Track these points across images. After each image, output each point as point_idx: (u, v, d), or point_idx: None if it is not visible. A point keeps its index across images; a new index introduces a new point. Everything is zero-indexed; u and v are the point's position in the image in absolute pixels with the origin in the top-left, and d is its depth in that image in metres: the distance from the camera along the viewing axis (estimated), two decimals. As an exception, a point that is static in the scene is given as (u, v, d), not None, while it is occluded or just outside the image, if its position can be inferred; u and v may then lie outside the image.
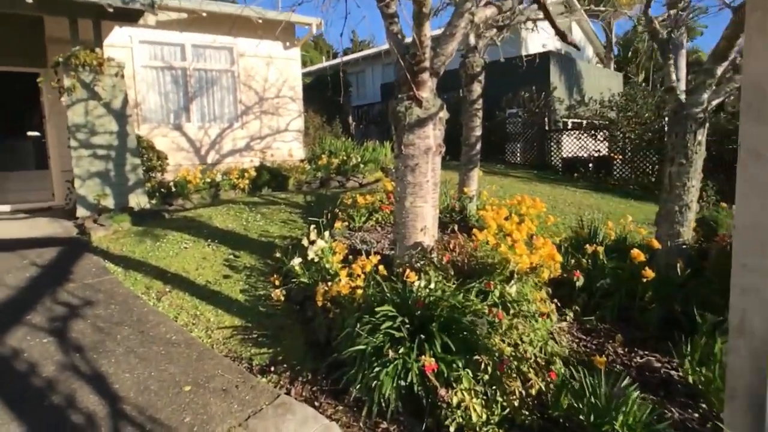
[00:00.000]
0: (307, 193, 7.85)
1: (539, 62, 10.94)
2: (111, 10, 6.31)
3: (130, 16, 6.97)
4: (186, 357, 3.33)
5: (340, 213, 5.50)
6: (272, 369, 3.29)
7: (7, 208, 8.10)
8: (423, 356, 2.77)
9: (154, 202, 7.08)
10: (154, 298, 4.11)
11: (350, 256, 4.06)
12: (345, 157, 8.84)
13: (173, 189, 7.11)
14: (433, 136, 3.97)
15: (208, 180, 7.50)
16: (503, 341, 2.98)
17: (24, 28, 7.79)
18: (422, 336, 2.94)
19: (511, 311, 3.37)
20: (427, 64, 3.87)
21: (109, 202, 6.68)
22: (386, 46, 19.66)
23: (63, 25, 6.76)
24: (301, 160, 9.65)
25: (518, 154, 13.40)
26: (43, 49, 7.45)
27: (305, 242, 4.29)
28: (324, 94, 13.65)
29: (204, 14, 8.30)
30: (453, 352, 2.85)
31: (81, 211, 6.50)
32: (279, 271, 4.45)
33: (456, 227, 4.71)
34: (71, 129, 6.41)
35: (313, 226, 4.42)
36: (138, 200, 6.81)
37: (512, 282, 3.46)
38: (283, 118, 9.84)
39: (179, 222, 6.14)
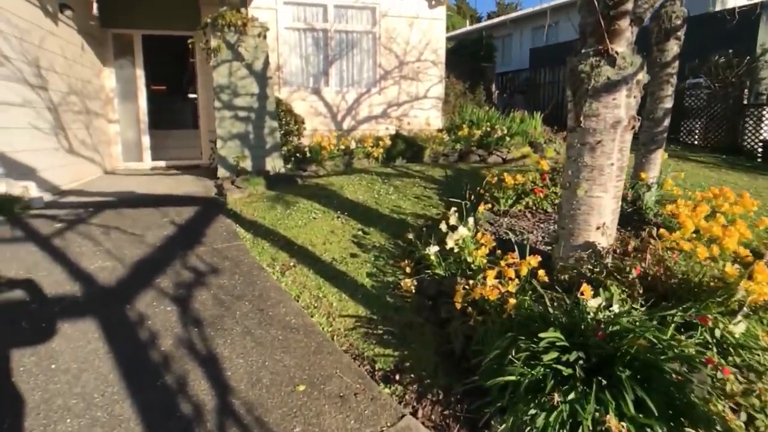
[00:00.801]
0: (444, 166, 7.16)
1: (742, 17, 8.59)
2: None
3: (276, -27, 6.79)
4: (304, 347, 2.93)
5: (484, 194, 4.72)
6: (397, 378, 2.74)
7: (162, 164, 8.79)
8: (606, 412, 1.98)
9: (289, 166, 7.01)
10: (279, 271, 3.83)
11: (498, 251, 3.31)
12: (488, 129, 7.90)
13: (308, 154, 6.95)
14: (625, 105, 2.96)
15: (342, 147, 7.21)
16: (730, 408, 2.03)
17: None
18: (602, 380, 2.13)
19: (732, 359, 2.36)
20: (629, 5, 2.85)
21: (247, 164, 6.74)
22: (533, 7, 17.73)
23: (216, -13, 6.83)
24: (439, 130, 8.95)
25: (696, 134, 11.03)
26: (198, 12, 7.70)
27: (443, 227, 3.64)
28: (466, 60, 12.67)
29: (349, -30, 7.88)
30: (649, 414, 1.99)
31: (221, 172, 6.65)
32: (410, 256, 3.88)
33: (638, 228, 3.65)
34: (216, 90, 6.50)
35: (453, 209, 3.74)
36: (274, 164, 6.78)
37: (738, 317, 2.42)
38: (423, 84, 9.18)
39: (311, 189, 5.91)
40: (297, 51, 8.57)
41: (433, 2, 9.02)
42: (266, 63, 6.71)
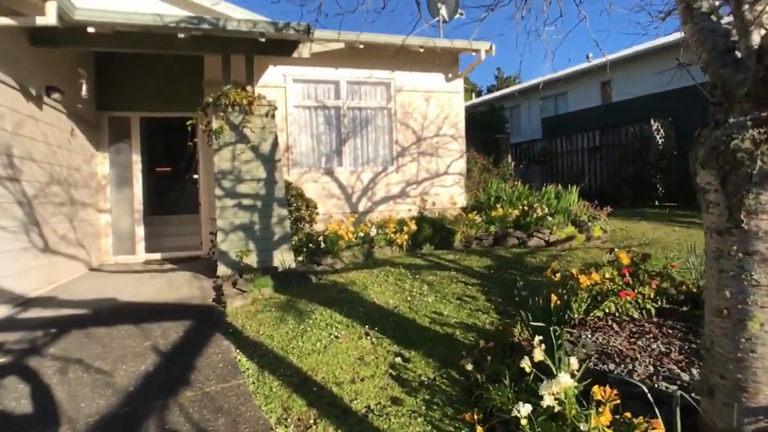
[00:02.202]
0: (479, 252, 6.18)
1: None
2: (263, 40, 5.58)
3: (284, 49, 6.22)
4: None
5: (555, 297, 3.66)
6: None
7: (158, 256, 7.85)
8: None
9: (300, 259, 6.04)
10: (293, 432, 2.71)
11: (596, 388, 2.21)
12: (525, 207, 6.99)
13: (322, 245, 5.99)
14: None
15: (361, 234, 6.27)
16: None
17: (187, 74, 7.65)
18: None
19: None
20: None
21: (252, 260, 5.77)
22: (538, 79, 17.64)
23: (219, 67, 6.26)
24: (463, 208, 8.06)
25: None
26: (201, 92, 7.12)
27: (525, 365, 2.58)
28: (478, 132, 12.15)
29: (361, 45, 7.38)
30: None
31: (222, 269, 5.67)
32: (476, 402, 2.77)
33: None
34: (217, 176, 5.69)
35: (538, 339, 2.69)
36: (283, 257, 5.81)
37: None
38: (443, 160, 8.44)
39: (328, 291, 4.89)
40: (307, 130, 7.92)
41: (449, 75, 8.51)
42: (275, 144, 5.96)
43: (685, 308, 3.94)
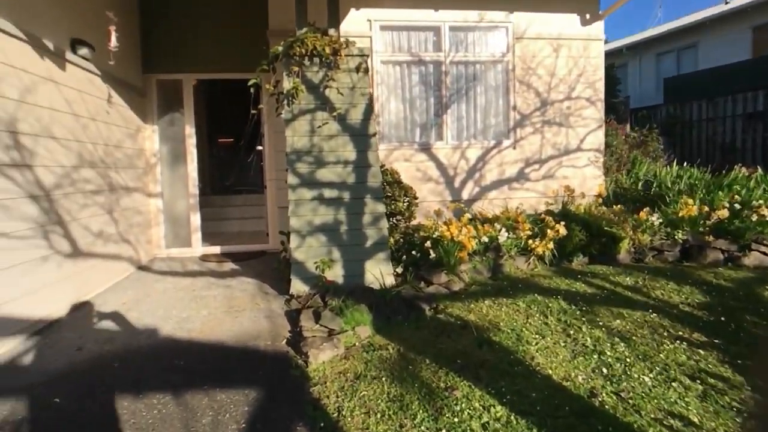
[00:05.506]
0: (665, 273, 4.20)
1: None
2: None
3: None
4: None
5: None
6: None
7: (216, 250, 6.49)
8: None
9: (399, 271, 4.38)
10: None
11: None
12: (734, 204, 4.77)
13: (431, 253, 4.26)
14: None
15: (485, 239, 4.46)
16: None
17: (247, 23, 6.04)
18: None
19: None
20: None
21: (337, 273, 4.18)
22: (656, 29, 14.38)
23: (287, 11, 4.56)
24: (600, 197, 6.00)
25: None
26: (266, 46, 5.46)
27: None
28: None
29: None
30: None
31: (296, 285, 4.13)
32: None
33: None
34: (290, 157, 4.07)
35: None
36: (379, 270, 4.16)
37: None
38: (575, 131, 6.36)
39: (457, 339, 3.18)
40: (398, 93, 6.12)
41: (587, 16, 6.33)
42: (368, 112, 4.24)
43: None
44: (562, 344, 3.02)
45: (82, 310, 4.19)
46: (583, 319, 3.33)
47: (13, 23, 3.48)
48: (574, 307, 3.51)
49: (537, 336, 3.13)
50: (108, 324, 3.86)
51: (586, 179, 6.34)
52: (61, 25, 4.26)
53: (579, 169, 6.36)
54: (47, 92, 3.97)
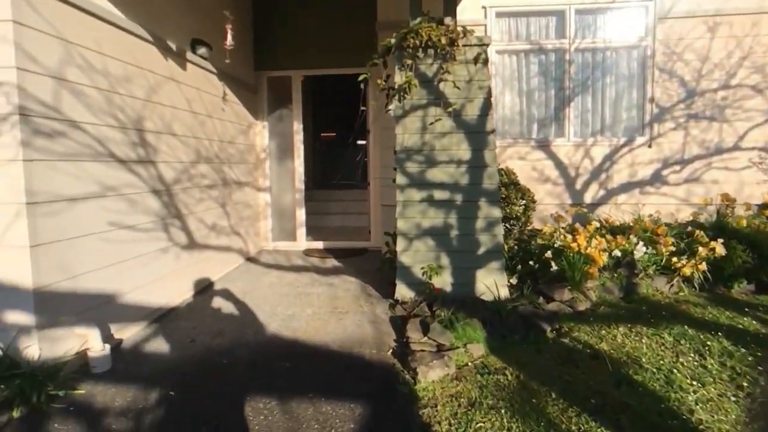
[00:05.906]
0: None
1: None
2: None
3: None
4: None
5: None
6: None
7: (319, 245, 6.50)
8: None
9: (513, 282, 3.94)
10: None
11: None
12: None
13: (553, 266, 3.76)
14: None
15: (617, 253, 3.85)
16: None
17: (354, 16, 5.91)
18: None
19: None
20: None
21: (445, 280, 3.86)
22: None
23: (397, 3, 4.29)
24: (763, 207, 4.98)
25: None
26: (375, 39, 5.27)
27: None
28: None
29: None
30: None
31: (401, 290, 3.89)
32: None
33: None
34: (399, 155, 3.82)
35: None
36: (492, 280, 3.77)
37: None
38: (731, 126, 5.36)
39: (587, 371, 2.71)
40: (513, 85, 5.61)
41: (753, -12, 5.28)
42: (485, 107, 3.84)
43: None
44: (732, 398, 2.41)
45: (196, 299, 4.34)
46: (759, 368, 2.66)
47: (141, 26, 3.62)
48: (744, 350, 2.83)
49: (694, 382, 2.55)
50: (218, 316, 3.94)
51: (743, 184, 5.31)
52: (182, 27, 4.41)
53: (734, 172, 5.34)
54: (169, 91, 4.12)
